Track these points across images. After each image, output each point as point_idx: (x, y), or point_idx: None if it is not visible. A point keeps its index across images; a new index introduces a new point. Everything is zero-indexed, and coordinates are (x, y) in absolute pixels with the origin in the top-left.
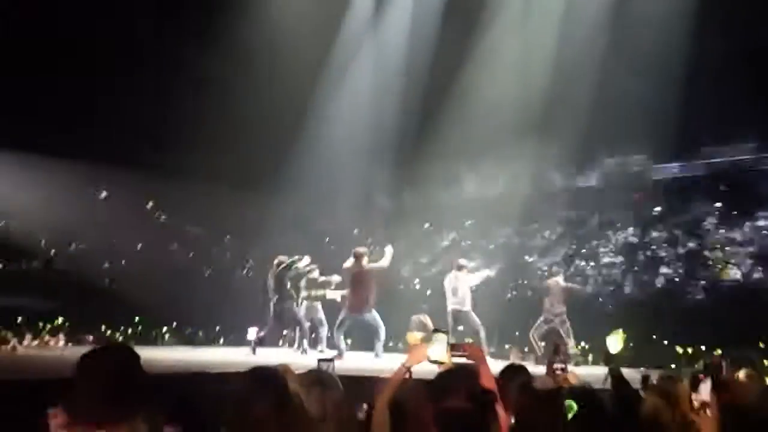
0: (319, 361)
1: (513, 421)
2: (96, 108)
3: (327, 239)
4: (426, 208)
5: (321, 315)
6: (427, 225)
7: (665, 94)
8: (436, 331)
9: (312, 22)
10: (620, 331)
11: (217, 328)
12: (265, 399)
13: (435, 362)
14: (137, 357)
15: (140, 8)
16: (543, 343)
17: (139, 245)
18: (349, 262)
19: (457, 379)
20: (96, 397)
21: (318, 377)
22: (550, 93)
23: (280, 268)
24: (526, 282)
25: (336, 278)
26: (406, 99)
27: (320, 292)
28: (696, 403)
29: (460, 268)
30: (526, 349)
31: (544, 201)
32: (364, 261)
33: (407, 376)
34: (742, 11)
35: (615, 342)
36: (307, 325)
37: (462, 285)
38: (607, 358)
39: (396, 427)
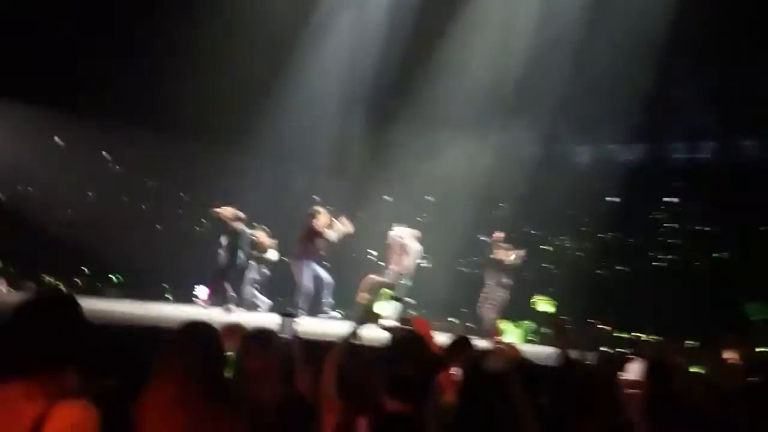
0: (283, 315)
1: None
2: (60, 55)
3: (288, 200)
4: (392, 178)
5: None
6: (386, 197)
7: (640, 78)
8: (394, 298)
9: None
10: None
11: (167, 285)
12: (194, 352)
13: (385, 329)
14: (78, 307)
15: None
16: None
17: (92, 194)
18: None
19: (408, 347)
20: (25, 346)
21: (259, 336)
22: (527, 70)
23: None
24: (476, 259)
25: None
26: (384, 63)
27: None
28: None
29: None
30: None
31: (510, 179)
32: (318, 221)
33: (357, 341)
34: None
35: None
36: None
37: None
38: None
39: (343, 393)
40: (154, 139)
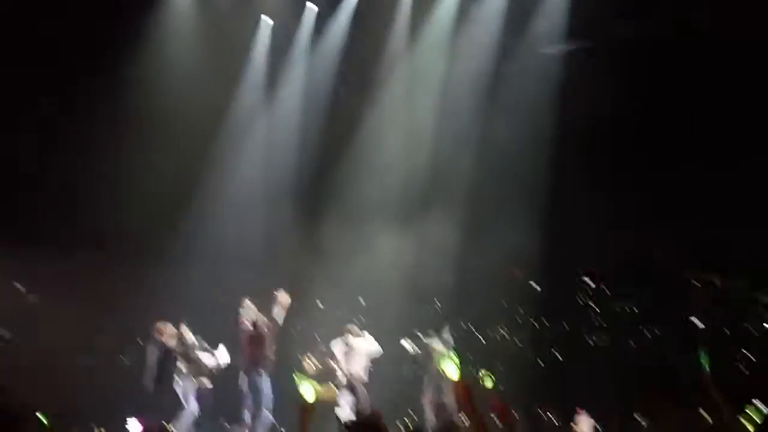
0: None
1: None
2: None
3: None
4: (323, 281)
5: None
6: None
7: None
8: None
9: (204, 87)
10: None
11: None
12: None
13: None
14: None
15: None
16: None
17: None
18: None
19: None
20: None
21: None
22: (433, 161)
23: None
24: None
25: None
26: (302, 163)
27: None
28: None
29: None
30: None
31: (438, 272)
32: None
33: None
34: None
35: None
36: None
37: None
38: None
39: None
40: (71, 263)
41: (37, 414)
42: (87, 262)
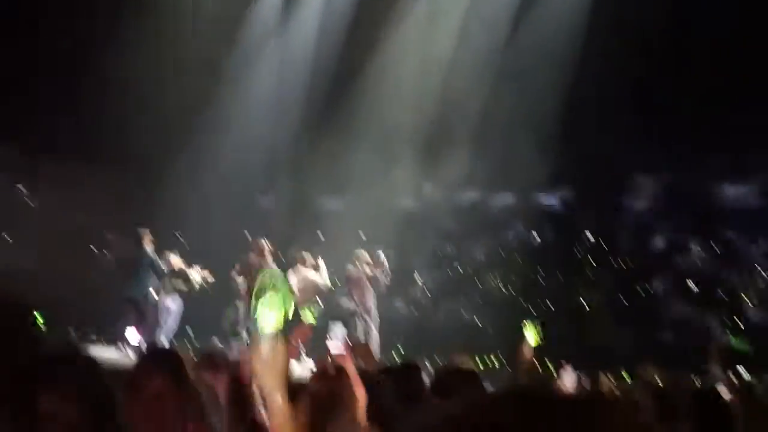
0: None
1: None
2: None
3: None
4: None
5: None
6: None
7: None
8: None
9: (216, 19)
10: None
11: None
12: (162, 375)
13: None
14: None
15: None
16: None
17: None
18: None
19: None
20: None
21: (210, 360)
22: (442, 113)
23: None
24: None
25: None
26: (307, 103)
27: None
28: None
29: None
30: None
31: (426, 220)
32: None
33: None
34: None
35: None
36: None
37: None
38: None
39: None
40: (78, 171)
41: (34, 312)
42: (93, 174)
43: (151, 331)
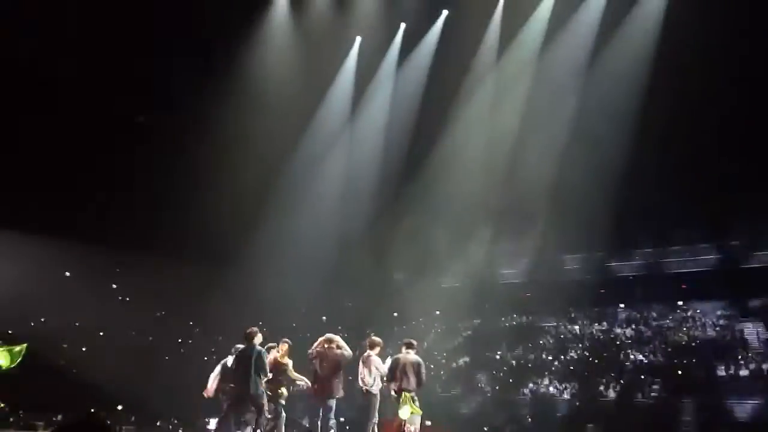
0: None
1: None
2: (72, 188)
3: (294, 325)
4: (393, 297)
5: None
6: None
7: (611, 193)
8: None
9: (294, 99)
10: None
11: (176, 420)
12: None
13: None
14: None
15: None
16: None
17: (99, 326)
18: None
19: None
20: None
21: None
22: (508, 190)
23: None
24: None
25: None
26: (380, 185)
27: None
28: None
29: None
30: None
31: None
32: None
33: None
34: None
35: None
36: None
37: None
38: None
39: None
40: (158, 268)
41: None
42: (167, 262)
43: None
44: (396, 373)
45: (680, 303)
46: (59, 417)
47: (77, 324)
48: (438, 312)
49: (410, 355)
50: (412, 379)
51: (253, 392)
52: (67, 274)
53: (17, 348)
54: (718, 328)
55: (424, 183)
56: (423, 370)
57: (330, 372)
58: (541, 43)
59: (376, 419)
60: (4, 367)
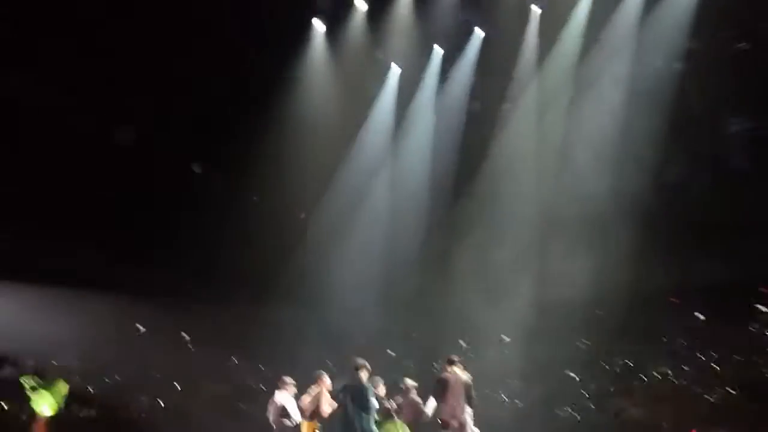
0: None
1: None
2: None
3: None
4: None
5: None
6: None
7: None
8: None
9: (334, 131)
10: None
11: None
12: None
13: None
14: None
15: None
16: None
17: (174, 379)
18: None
19: None
20: None
21: None
22: (563, 201)
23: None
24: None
25: None
26: (428, 210)
27: None
28: None
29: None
30: None
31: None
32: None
33: None
34: None
35: None
36: None
37: None
38: None
39: None
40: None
41: None
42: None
43: None
44: (447, 396)
45: None
46: None
47: (149, 376)
48: (507, 339)
49: (463, 375)
50: (464, 404)
51: None
52: (142, 329)
53: (57, 385)
54: None
55: (471, 208)
56: (473, 392)
57: None
58: (581, 46)
59: None
60: (53, 413)
